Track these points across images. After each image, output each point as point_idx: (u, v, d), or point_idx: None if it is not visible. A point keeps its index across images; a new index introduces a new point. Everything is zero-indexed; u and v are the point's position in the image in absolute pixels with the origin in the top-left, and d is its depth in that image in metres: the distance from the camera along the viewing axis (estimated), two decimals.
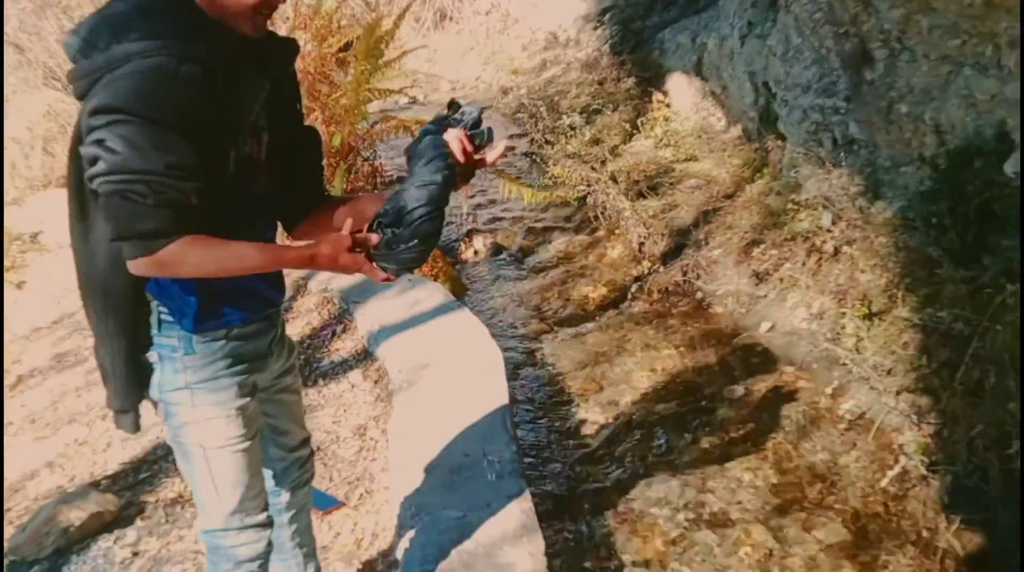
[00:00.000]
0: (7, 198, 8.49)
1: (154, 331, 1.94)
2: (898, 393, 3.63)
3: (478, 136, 1.97)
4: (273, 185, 2.00)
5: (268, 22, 1.84)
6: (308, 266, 1.90)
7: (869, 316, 4.01)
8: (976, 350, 3.34)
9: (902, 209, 4.26)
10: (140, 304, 1.90)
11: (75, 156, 1.76)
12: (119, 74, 1.66)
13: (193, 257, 1.74)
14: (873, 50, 4.39)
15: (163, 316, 1.92)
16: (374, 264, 1.88)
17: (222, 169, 1.80)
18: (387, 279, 1.91)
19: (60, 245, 7.36)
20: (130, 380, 1.98)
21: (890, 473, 3.37)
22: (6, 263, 6.95)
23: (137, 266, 1.72)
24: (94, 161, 1.65)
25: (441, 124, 1.96)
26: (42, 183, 9.05)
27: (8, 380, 5.04)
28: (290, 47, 2.03)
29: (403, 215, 1.84)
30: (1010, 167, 3.52)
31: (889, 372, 3.74)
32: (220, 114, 1.76)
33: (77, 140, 1.73)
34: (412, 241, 1.85)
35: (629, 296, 5.22)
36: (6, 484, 3.99)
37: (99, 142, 1.63)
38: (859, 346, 3.94)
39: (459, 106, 2.01)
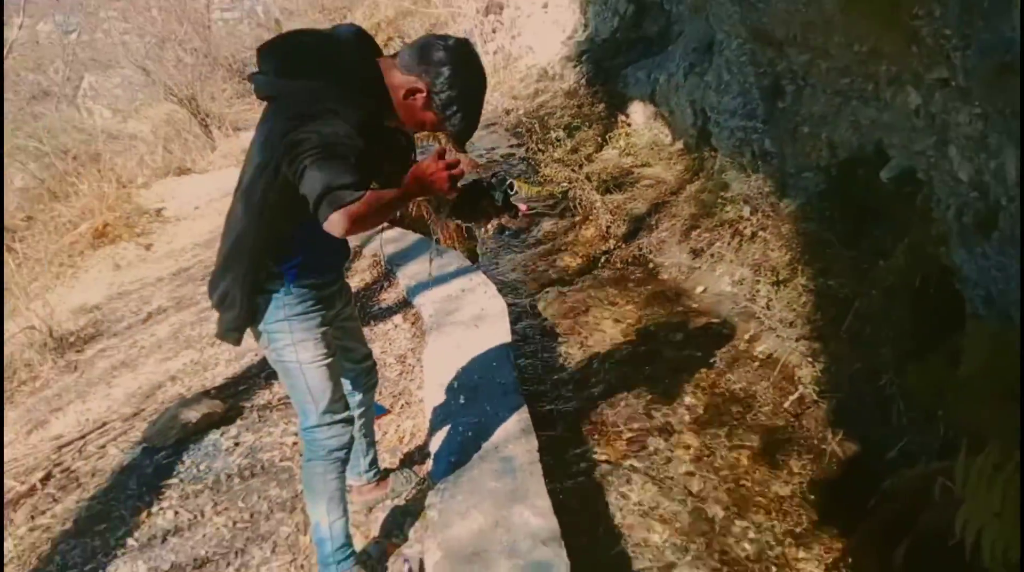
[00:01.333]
0: (138, 182, 8.40)
1: (266, 279, 1.98)
2: (798, 340, 3.61)
3: (507, 199, 2.09)
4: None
5: None
6: (419, 189, 1.87)
7: (777, 283, 3.98)
8: (856, 309, 3.33)
9: (802, 205, 4.22)
10: (266, 256, 1.94)
11: (264, 147, 1.82)
12: (312, 96, 1.77)
13: (371, 217, 1.76)
14: (784, 85, 4.33)
15: (271, 269, 1.94)
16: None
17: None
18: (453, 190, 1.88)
19: (178, 218, 7.34)
20: (247, 308, 1.98)
21: (791, 398, 3.36)
22: (138, 230, 6.90)
23: (334, 223, 1.72)
24: (298, 145, 1.72)
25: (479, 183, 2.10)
26: (163, 172, 8.99)
27: (141, 316, 5.02)
28: None
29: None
30: (885, 174, 3.49)
31: (791, 324, 3.72)
32: (371, 155, 1.83)
33: (272, 134, 1.79)
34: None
35: (599, 265, 5.16)
36: (143, 389, 3.98)
37: (303, 131, 1.72)
38: (769, 305, 3.92)
39: (505, 180, 2.08)
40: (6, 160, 8.21)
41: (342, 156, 1.72)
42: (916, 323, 2.96)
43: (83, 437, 3.56)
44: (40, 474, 3.30)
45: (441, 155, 1.79)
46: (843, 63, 3.60)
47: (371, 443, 2.68)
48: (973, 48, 2.24)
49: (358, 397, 2.46)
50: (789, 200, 4.37)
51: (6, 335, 4.67)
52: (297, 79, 1.79)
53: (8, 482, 3.31)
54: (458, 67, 1.85)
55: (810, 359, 3.47)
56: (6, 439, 3.81)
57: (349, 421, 2.22)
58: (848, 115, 3.76)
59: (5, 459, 3.55)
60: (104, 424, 3.66)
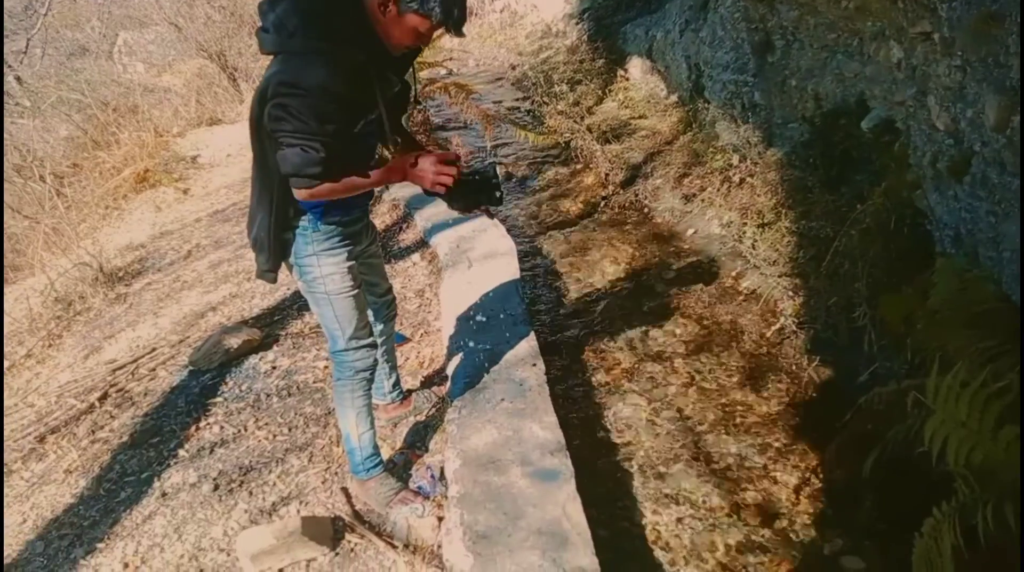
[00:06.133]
0: (174, 131, 8.29)
1: (293, 216, 1.96)
2: (780, 276, 3.62)
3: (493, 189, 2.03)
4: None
5: None
6: (401, 177, 1.91)
7: (762, 225, 3.96)
8: (835, 248, 3.32)
9: (787, 153, 4.17)
10: (287, 197, 1.88)
11: (260, 102, 1.76)
12: (301, 60, 1.68)
13: (333, 190, 1.82)
14: (774, 40, 4.23)
15: (300, 205, 1.92)
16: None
17: (353, 129, 1.84)
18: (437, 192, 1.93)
19: (212, 164, 7.27)
20: (275, 249, 2.00)
21: (773, 328, 3.39)
22: (175, 175, 6.84)
23: (298, 194, 1.81)
24: (280, 120, 1.68)
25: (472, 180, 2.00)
26: (196, 123, 8.87)
27: (182, 253, 5.03)
28: (416, 50, 2.00)
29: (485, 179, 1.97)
30: (865, 124, 3.44)
31: (774, 262, 3.72)
32: (363, 97, 1.80)
33: (263, 92, 1.74)
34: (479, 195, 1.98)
35: (598, 210, 5.14)
36: (187, 318, 4.00)
37: (284, 107, 1.67)
38: (755, 245, 3.91)
39: (489, 174, 2.02)
40: (52, 111, 8.10)
41: (313, 145, 1.69)
42: (889, 260, 2.95)
43: (135, 361, 3.61)
44: (97, 394, 3.36)
45: (442, 161, 1.86)
46: (830, 19, 3.51)
47: (393, 367, 2.72)
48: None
49: (380, 326, 2.49)
50: (775, 149, 4.31)
51: (61, 270, 4.69)
52: (293, 37, 1.67)
53: (69, 400, 3.37)
54: None
55: (791, 294, 3.49)
56: (66, 362, 3.86)
57: (373, 346, 2.26)
58: (833, 68, 3.68)
59: (66, 380, 3.61)
60: (153, 349, 3.71)
